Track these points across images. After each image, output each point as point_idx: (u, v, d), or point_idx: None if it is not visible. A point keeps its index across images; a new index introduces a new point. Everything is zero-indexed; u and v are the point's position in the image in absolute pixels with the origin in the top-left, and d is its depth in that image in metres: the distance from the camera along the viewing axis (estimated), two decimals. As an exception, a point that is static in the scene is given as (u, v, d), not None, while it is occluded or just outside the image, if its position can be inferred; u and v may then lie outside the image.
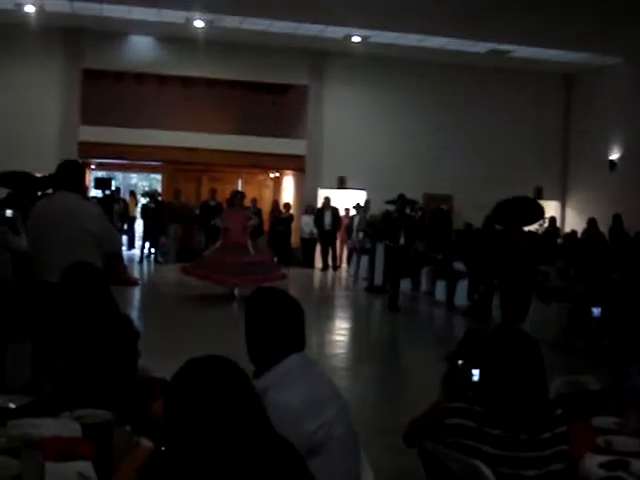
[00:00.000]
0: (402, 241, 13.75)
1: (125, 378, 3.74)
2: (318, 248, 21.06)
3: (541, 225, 16.62)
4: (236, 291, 13.52)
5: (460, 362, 3.47)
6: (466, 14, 16.54)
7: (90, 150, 20.19)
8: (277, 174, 24.59)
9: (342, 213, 21.00)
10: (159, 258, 20.57)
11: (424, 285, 15.94)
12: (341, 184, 21.75)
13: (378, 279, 16.05)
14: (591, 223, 17.37)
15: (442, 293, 14.63)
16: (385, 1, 16.05)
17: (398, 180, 20.67)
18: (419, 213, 18.02)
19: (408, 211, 19.76)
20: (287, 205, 21.48)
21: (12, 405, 3.25)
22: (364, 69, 21.04)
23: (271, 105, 23.42)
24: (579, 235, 16.78)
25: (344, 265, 20.88)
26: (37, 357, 5.24)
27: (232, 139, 21.12)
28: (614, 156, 20.91)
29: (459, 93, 21.88)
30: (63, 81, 20.11)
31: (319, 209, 20.73)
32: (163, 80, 22.08)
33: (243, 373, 2.18)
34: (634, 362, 4.62)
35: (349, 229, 20.13)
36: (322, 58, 21.46)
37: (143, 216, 20.91)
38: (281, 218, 20.97)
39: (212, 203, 20.52)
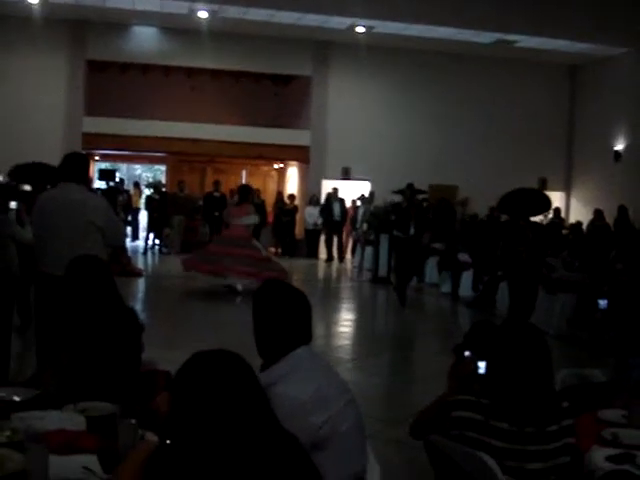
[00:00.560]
0: (412, 232, 13.49)
1: (129, 371, 3.74)
2: (322, 239, 21.04)
3: (545, 216, 16.56)
4: (239, 286, 13.42)
5: (467, 354, 3.46)
6: (472, 4, 16.49)
7: (94, 141, 20.19)
8: (281, 165, 24.58)
9: (348, 204, 20.97)
10: (163, 249, 20.58)
11: (428, 276, 15.92)
12: (345, 175, 21.72)
13: (382, 270, 16.05)
14: (597, 214, 17.33)
15: (447, 284, 14.61)
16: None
17: (403, 171, 20.63)
18: (424, 204, 17.97)
19: (400, 200, 19.86)
20: (291, 196, 21.46)
21: (16, 398, 3.25)
22: (368, 59, 20.96)
23: (275, 95, 23.39)
24: (584, 226, 16.74)
25: (348, 256, 20.86)
26: (42, 350, 5.24)
27: (236, 130, 21.10)
28: (619, 147, 20.86)
29: (463, 83, 21.82)
30: (67, 72, 20.08)
31: (327, 200, 20.69)
32: (167, 71, 22.06)
33: (248, 366, 2.18)
34: (640, 354, 4.61)
35: (354, 220, 20.10)
36: (326, 48, 21.41)
37: (147, 207, 20.92)
38: (285, 209, 20.95)
39: (216, 194, 20.49)
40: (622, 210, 16.82)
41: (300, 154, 21.87)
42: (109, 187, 19.68)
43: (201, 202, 21.22)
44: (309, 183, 21.85)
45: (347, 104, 21.47)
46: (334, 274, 18.84)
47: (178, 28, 20.03)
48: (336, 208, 20.39)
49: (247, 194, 13.83)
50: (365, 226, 18.09)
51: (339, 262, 20.43)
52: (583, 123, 22.74)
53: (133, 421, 2.73)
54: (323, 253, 20.92)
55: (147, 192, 22.17)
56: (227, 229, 13.87)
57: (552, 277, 10.85)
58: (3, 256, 6.43)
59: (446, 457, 3.18)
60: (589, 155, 22.28)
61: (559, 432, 2.99)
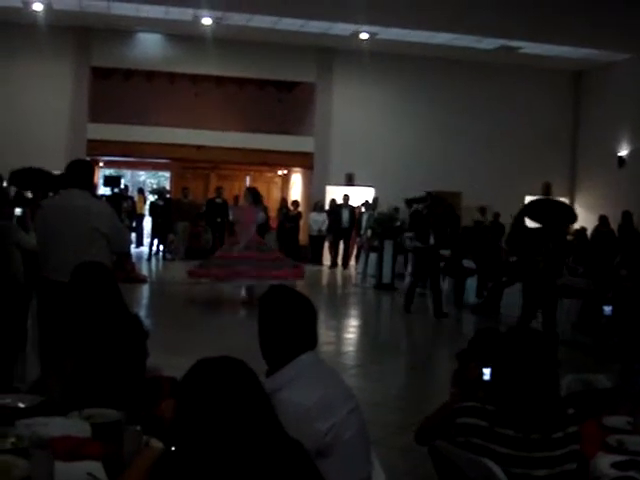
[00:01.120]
0: (432, 241, 12.98)
1: (134, 377, 3.74)
2: (326, 245, 21.04)
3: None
4: (243, 292, 13.38)
5: (474, 363, 3.46)
6: (475, 10, 16.49)
7: (98, 148, 20.22)
8: (285, 171, 24.60)
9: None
10: (167, 255, 20.59)
11: (429, 282, 15.87)
12: (349, 181, 21.73)
13: (386, 276, 16.05)
14: (602, 220, 17.30)
15: (451, 290, 14.59)
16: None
17: (406, 177, 20.70)
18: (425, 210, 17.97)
19: (420, 208, 19.80)
20: (295, 202, 21.45)
21: (21, 404, 3.25)
22: (372, 66, 20.98)
23: (278, 102, 23.41)
24: (588, 232, 16.71)
25: (352, 262, 20.85)
26: (45, 356, 5.24)
27: (240, 137, 21.12)
28: (623, 152, 20.85)
29: (467, 90, 21.83)
30: (71, 79, 20.12)
31: (337, 206, 20.69)
32: (171, 78, 22.11)
33: (252, 373, 2.18)
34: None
35: (358, 226, 20.08)
36: (330, 55, 21.44)
37: (151, 214, 20.93)
38: (289, 215, 20.95)
39: (218, 200, 20.51)
40: (626, 216, 16.79)
41: (304, 160, 21.88)
42: (114, 193, 19.69)
43: (205, 208, 21.25)
44: (313, 189, 21.85)
45: (351, 110, 21.49)
46: (338, 280, 18.83)
47: (182, 35, 20.07)
48: (345, 215, 20.40)
49: (259, 197, 13.78)
50: (369, 232, 18.07)
51: (343, 268, 20.43)
52: (587, 129, 22.73)
53: (138, 428, 2.73)
54: (327, 259, 20.92)
55: (151, 198, 22.19)
56: (238, 234, 13.36)
57: (557, 283, 10.83)
58: (8, 263, 6.43)
59: (451, 463, 3.18)
60: (593, 161, 22.27)
61: (565, 439, 2.99)
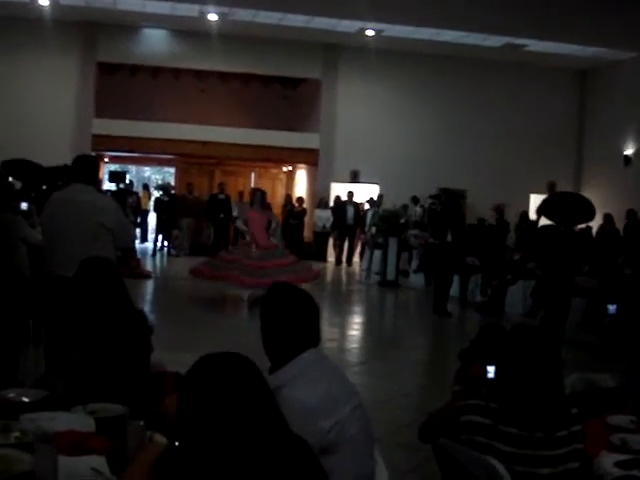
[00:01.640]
0: (449, 238, 12.69)
1: (138, 372, 3.75)
2: (331, 242, 21.05)
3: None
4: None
5: (479, 361, 3.46)
6: (481, 8, 16.47)
7: (104, 143, 20.24)
8: (290, 168, 24.59)
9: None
10: (172, 251, 20.61)
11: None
12: (354, 178, 21.72)
13: (390, 273, 16.06)
14: (607, 218, 17.26)
15: (455, 288, 14.57)
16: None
17: (412, 174, 20.71)
18: (430, 203, 17.97)
19: (419, 207, 19.78)
20: (300, 199, 21.44)
21: (26, 399, 3.25)
22: (378, 63, 20.95)
23: (284, 99, 23.40)
24: (594, 230, 16.67)
25: (356, 259, 20.86)
26: (50, 351, 5.25)
27: (245, 133, 21.13)
28: (629, 151, 20.81)
29: (472, 87, 21.80)
30: (77, 74, 20.15)
31: (342, 203, 20.69)
32: (176, 73, 22.10)
33: (257, 369, 2.18)
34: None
35: (362, 223, 20.08)
36: (335, 52, 21.42)
37: (156, 209, 20.94)
38: (294, 212, 20.95)
39: (221, 196, 20.54)
40: (631, 214, 16.76)
41: (309, 157, 21.88)
42: (119, 189, 19.72)
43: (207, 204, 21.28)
44: (318, 186, 21.85)
45: (356, 107, 21.47)
46: (343, 277, 18.83)
47: (188, 31, 20.07)
48: (350, 212, 20.40)
49: (257, 197, 12.97)
50: (373, 229, 18.08)
51: (347, 265, 20.43)
52: (593, 127, 22.69)
53: (142, 423, 2.73)
54: (331, 256, 20.92)
55: (156, 194, 22.20)
56: (257, 240, 12.49)
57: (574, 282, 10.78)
58: (14, 258, 6.44)
59: (455, 461, 3.18)
60: (599, 159, 22.23)
61: (568, 437, 2.98)
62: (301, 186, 24.01)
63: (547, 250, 9.51)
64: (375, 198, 20.17)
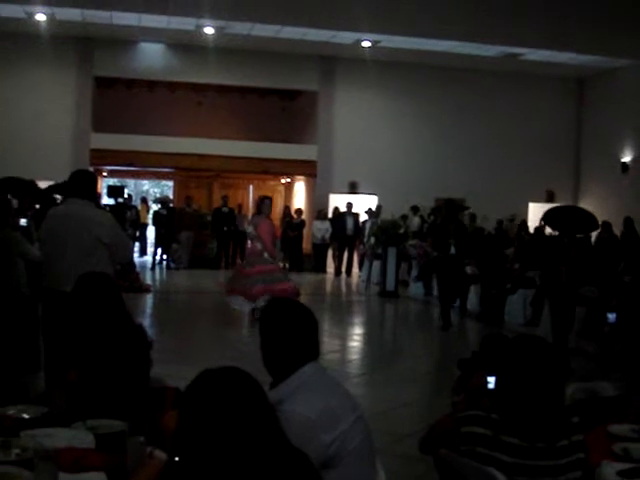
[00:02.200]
0: (452, 251, 12.31)
1: (138, 387, 3.74)
2: (329, 253, 21.06)
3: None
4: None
5: (481, 372, 3.46)
6: (477, 18, 16.53)
7: (102, 157, 20.28)
8: (288, 180, 24.62)
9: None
10: (171, 265, 20.61)
11: (436, 289, 15.88)
12: (352, 189, 21.75)
13: (390, 284, 16.04)
14: (605, 226, 17.27)
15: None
16: (395, 6, 16.03)
17: (410, 184, 20.73)
18: (431, 218, 17.99)
19: (418, 218, 19.76)
20: (299, 210, 21.47)
21: (26, 415, 3.25)
22: (374, 74, 21.01)
23: (281, 111, 23.46)
24: (592, 238, 16.67)
25: (355, 270, 20.86)
26: (50, 367, 5.24)
27: (243, 145, 21.16)
28: (626, 158, 20.85)
29: (470, 97, 21.85)
30: (74, 89, 20.18)
31: (340, 214, 20.71)
32: (173, 87, 22.16)
33: (257, 384, 2.17)
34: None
35: (361, 234, 20.10)
36: (332, 63, 21.48)
37: (155, 223, 20.94)
38: (293, 224, 20.96)
39: (225, 209, 20.65)
40: (628, 222, 16.76)
41: (307, 169, 21.91)
42: (117, 203, 19.73)
43: (209, 217, 21.32)
44: (316, 197, 21.87)
45: (353, 118, 21.52)
46: (342, 288, 18.83)
47: (185, 44, 20.13)
48: (349, 222, 20.42)
49: (266, 205, 12.47)
50: (372, 240, 18.07)
51: (347, 276, 20.43)
52: (590, 135, 22.73)
53: (142, 438, 2.72)
54: (331, 267, 20.93)
55: (155, 207, 22.22)
56: (268, 247, 12.16)
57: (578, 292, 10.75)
58: (13, 274, 6.44)
59: (456, 473, 3.17)
60: (596, 167, 22.27)
61: (570, 447, 2.98)
62: (299, 198, 24.04)
63: (552, 260, 9.48)
64: (374, 209, 20.19)
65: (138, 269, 16.70)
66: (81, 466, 2.70)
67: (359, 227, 20.31)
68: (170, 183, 26.95)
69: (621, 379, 4.78)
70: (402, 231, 17.09)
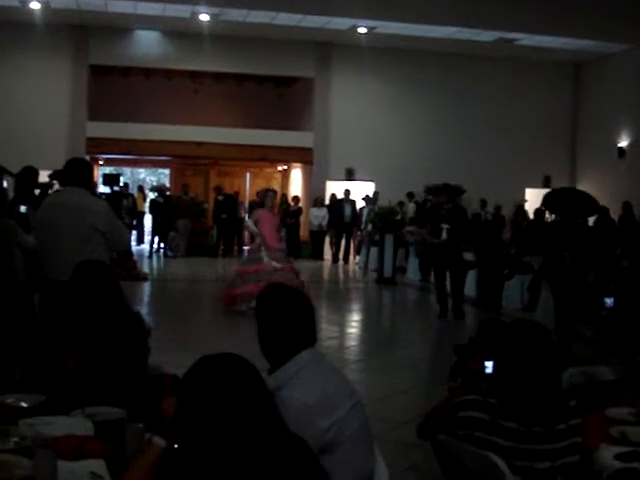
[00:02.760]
0: (444, 236, 11.89)
1: (136, 375, 3.74)
2: (327, 240, 21.07)
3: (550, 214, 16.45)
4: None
5: (479, 356, 3.46)
6: (473, 3, 16.50)
7: (98, 146, 20.22)
8: (285, 167, 24.59)
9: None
10: (168, 253, 20.61)
11: (433, 275, 15.88)
12: (349, 176, 21.72)
13: (387, 271, 16.06)
14: (601, 211, 17.27)
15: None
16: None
17: (407, 171, 20.72)
18: (428, 204, 17.99)
19: (414, 204, 19.76)
20: (295, 198, 21.46)
21: (24, 404, 3.25)
22: (371, 60, 20.96)
23: (277, 98, 23.41)
24: (590, 223, 16.68)
25: (351, 257, 20.90)
26: (47, 356, 5.24)
27: (239, 133, 21.12)
28: (623, 143, 20.84)
29: (466, 83, 21.81)
30: (70, 77, 20.12)
31: (338, 201, 20.72)
32: (169, 74, 22.08)
33: (255, 370, 2.18)
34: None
35: (358, 221, 20.12)
36: (328, 50, 21.42)
37: (152, 211, 20.95)
38: (290, 211, 20.97)
39: (220, 198, 20.83)
40: (627, 206, 16.79)
41: (304, 156, 21.88)
42: (113, 192, 19.71)
43: (206, 205, 21.36)
44: (313, 184, 21.85)
45: (350, 105, 21.47)
46: (339, 275, 18.84)
47: (180, 32, 20.06)
48: (347, 209, 20.43)
49: (269, 197, 12.21)
50: (370, 226, 18.09)
51: (344, 263, 20.45)
52: (587, 120, 22.71)
53: (140, 425, 2.72)
54: (328, 254, 20.94)
55: (151, 196, 22.20)
56: (264, 244, 11.69)
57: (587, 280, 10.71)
58: (9, 263, 6.42)
59: (454, 458, 3.18)
60: (593, 152, 22.27)
61: (567, 431, 2.99)
62: (296, 185, 24.01)
63: (554, 246, 9.42)
64: (371, 195, 20.19)
65: (135, 257, 16.69)
66: (80, 454, 2.70)
67: (356, 214, 20.32)
68: (167, 171, 26.89)
69: (619, 363, 4.79)
70: (399, 217, 17.10)
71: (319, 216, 20.66)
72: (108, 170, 23.95)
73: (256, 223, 11.75)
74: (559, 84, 22.94)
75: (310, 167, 22.06)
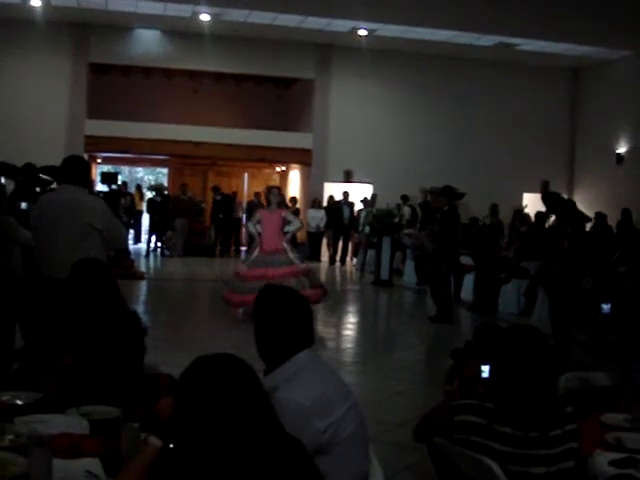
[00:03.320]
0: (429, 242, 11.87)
1: (132, 374, 3.74)
2: (324, 242, 21.07)
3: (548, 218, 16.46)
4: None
5: (476, 360, 3.47)
6: (473, 7, 16.49)
7: (96, 144, 20.20)
8: (283, 168, 24.58)
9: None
10: (165, 252, 20.60)
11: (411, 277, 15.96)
12: (347, 178, 21.72)
13: (384, 273, 16.06)
14: (598, 217, 17.31)
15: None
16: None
17: (405, 174, 20.72)
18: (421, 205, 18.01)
19: (408, 208, 19.75)
20: (293, 199, 21.46)
21: (19, 402, 3.25)
22: (371, 62, 20.97)
23: (277, 99, 23.41)
24: (587, 229, 16.70)
25: (348, 259, 20.91)
26: (43, 354, 5.23)
27: (238, 133, 21.11)
28: (621, 149, 20.86)
29: (465, 86, 21.81)
30: (69, 75, 20.09)
31: (336, 203, 20.71)
32: (169, 74, 22.08)
33: (252, 371, 2.18)
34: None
35: (356, 223, 20.12)
36: (328, 51, 21.42)
37: (149, 210, 20.94)
38: (288, 212, 20.95)
39: (217, 198, 20.82)
40: (626, 213, 16.81)
41: (302, 157, 21.87)
42: (111, 190, 19.70)
43: (204, 205, 21.37)
44: (311, 186, 21.84)
45: (349, 107, 21.48)
46: (337, 277, 18.83)
47: (181, 31, 20.05)
48: (346, 212, 20.45)
49: (273, 195, 11.54)
50: (367, 229, 18.10)
51: (341, 265, 20.45)
52: (585, 126, 22.74)
53: (136, 425, 2.72)
54: (325, 256, 20.94)
55: (149, 195, 22.19)
56: (259, 244, 11.32)
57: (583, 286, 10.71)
58: (7, 260, 6.42)
59: (449, 461, 3.18)
60: (591, 158, 22.28)
61: (563, 437, 2.99)
62: (294, 186, 24.01)
63: (548, 252, 9.42)
64: (369, 198, 20.19)
65: (132, 256, 16.68)
66: (75, 452, 2.70)
67: (354, 216, 20.34)
68: (165, 170, 26.88)
69: (615, 369, 4.79)
70: (397, 220, 17.11)
71: (317, 217, 20.65)
72: (106, 168, 23.91)
73: (258, 223, 11.29)
74: (558, 90, 22.96)
75: (308, 168, 22.05)
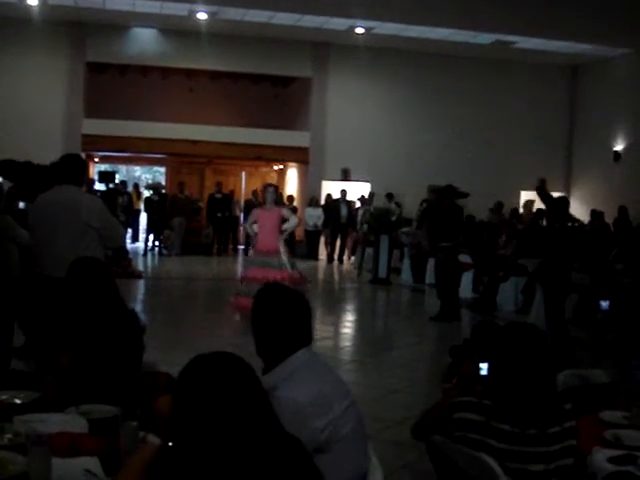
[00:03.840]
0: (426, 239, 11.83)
1: (130, 373, 3.74)
2: (322, 240, 21.06)
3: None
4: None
5: (475, 357, 3.47)
6: (470, 5, 16.49)
7: (94, 143, 20.18)
8: (281, 166, 24.57)
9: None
10: (163, 251, 20.59)
11: (428, 277, 15.90)
12: (345, 176, 21.71)
13: (382, 271, 16.07)
14: (595, 214, 17.34)
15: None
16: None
17: (402, 172, 20.72)
18: (424, 205, 17.99)
19: (393, 204, 19.75)
20: (291, 197, 21.44)
21: (18, 400, 3.25)
22: (368, 60, 20.97)
23: (274, 97, 23.40)
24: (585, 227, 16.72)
25: (345, 257, 20.90)
26: (42, 353, 5.23)
27: (235, 132, 21.10)
28: (618, 147, 20.87)
29: (463, 84, 21.81)
30: (66, 74, 20.06)
31: (334, 201, 20.70)
32: (166, 73, 22.04)
33: (250, 369, 2.18)
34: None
35: (354, 221, 20.11)
36: (325, 50, 21.40)
37: (147, 209, 20.92)
38: (285, 210, 20.93)
39: (218, 196, 20.80)
40: (622, 210, 16.84)
41: (299, 155, 21.86)
42: (109, 189, 19.69)
43: (201, 203, 21.34)
44: (309, 184, 21.84)
45: (346, 105, 21.47)
46: (334, 275, 18.83)
47: (177, 30, 20.04)
48: (343, 210, 20.44)
49: (269, 193, 10.97)
50: (365, 227, 18.10)
51: (339, 263, 20.46)
52: (583, 124, 22.74)
53: (135, 423, 2.72)
54: (323, 254, 20.93)
55: (147, 194, 22.17)
56: (254, 244, 11.16)
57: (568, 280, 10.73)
58: (4, 258, 6.40)
59: (448, 458, 3.18)
60: (589, 156, 22.29)
61: (561, 434, 2.99)
62: (292, 184, 23.99)
63: (545, 249, 9.45)
64: (366, 196, 20.19)
65: (130, 255, 16.67)
66: (74, 451, 2.70)
67: (352, 214, 20.33)
68: (162, 169, 26.85)
69: (613, 366, 4.80)
70: (394, 219, 17.11)
71: (314, 216, 20.65)
72: (104, 167, 23.88)
73: (254, 224, 10.92)
74: (556, 87, 22.95)
75: (306, 167, 22.04)
